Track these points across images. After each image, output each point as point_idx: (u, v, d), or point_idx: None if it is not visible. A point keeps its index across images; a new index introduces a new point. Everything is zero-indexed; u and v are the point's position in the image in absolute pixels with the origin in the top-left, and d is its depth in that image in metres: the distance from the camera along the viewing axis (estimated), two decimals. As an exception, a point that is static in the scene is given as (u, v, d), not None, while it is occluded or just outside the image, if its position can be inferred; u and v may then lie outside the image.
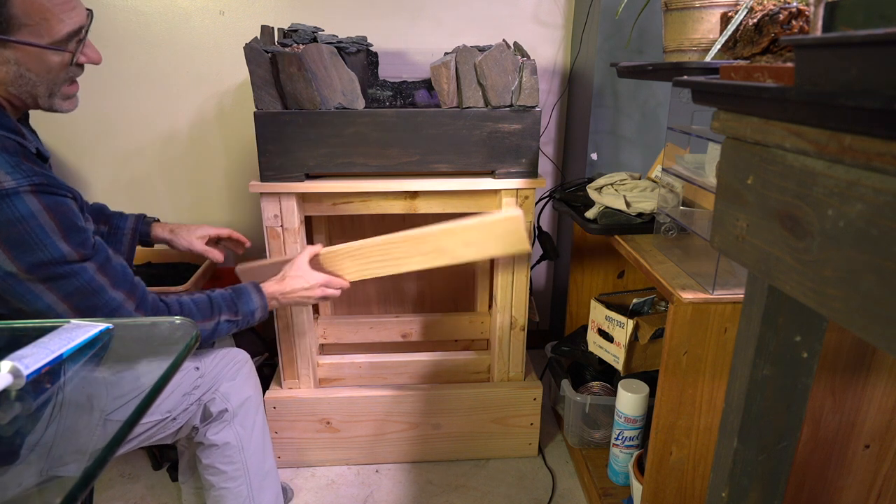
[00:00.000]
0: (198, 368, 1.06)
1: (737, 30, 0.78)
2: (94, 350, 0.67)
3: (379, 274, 1.18)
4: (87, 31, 0.85)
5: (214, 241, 1.28)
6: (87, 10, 0.86)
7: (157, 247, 1.75)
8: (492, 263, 1.64)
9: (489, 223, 1.10)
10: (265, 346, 1.73)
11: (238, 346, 1.33)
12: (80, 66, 0.87)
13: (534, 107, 1.25)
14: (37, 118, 0.99)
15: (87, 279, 0.84)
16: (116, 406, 0.59)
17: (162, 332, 0.74)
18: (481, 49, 1.23)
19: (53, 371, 0.62)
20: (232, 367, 1.11)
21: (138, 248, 1.23)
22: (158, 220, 1.25)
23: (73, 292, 0.83)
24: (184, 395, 1.03)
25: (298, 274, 1.13)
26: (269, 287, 1.10)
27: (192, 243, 1.23)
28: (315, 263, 1.17)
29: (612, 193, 1.23)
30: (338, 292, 1.17)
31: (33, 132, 0.95)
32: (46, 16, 0.78)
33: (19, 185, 0.76)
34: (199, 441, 1.09)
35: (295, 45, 1.22)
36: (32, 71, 0.81)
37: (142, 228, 1.22)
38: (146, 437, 1.02)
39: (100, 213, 1.19)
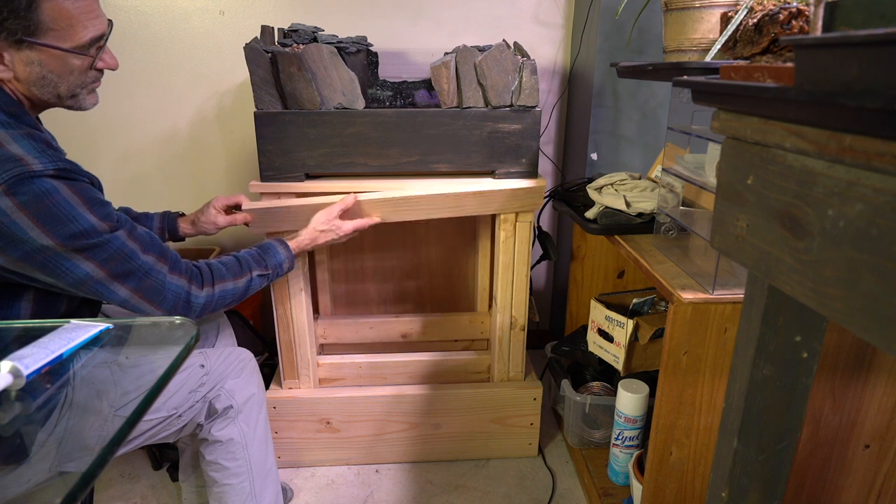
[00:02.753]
0: (203, 366, 1.07)
1: (737, 30, 0.78)
2: (97, 348, 0.67)
3: (411, 219, 1.28)
4: (106, 39, 0.91)
5: (232, 209, 1.31)
6: (108, 19, 0.91)
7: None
8: (492, 263, 1.64)
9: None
10: (265, 346, 1.73)
11: (239, 345, 1.33)
12: (100, 71, 0.93)
13: (534, 107, 1.25)
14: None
15: (118, 245, 0.89)
16: (123, 403, 0.59)
17: (162, 332, 0.74)
18: (481, 49, 1.23)
19: (55, 371, 0.62)
20: (237, 364, 1.12)
21: None
22: (183, 215, 1.29)
23: (108, 259, 0.88)
24: (190, 392, 1.04)
25: (328, 228, 1.20)
26: (295, 242, 1.17)
27: (217, 222, 1.26)
28: (345, 214, 1.23)
29: (612, 193, 1.23)
30: (367, 225, 1.25)
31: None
32: (72, 22, 0.84)
33: (45, 168, 0.81)
34: (204, 437, 1.10)
35: (295, 45, 1.22)
36: (54, 72, 0.86)
37: (169, 226, 1.26)
38: (151, 435, 1.02)
39: (127, 215, 1.21)
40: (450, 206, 1.26)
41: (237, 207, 1.30)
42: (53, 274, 0.86)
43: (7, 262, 0.83)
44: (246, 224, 1.26)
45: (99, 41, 0.89)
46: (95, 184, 0.91)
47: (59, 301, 0.94)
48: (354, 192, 1.23)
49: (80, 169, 0.87)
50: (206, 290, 1.00)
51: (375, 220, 1.24)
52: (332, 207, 1.20)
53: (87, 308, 1.01)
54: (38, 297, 0.92)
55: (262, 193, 1.26)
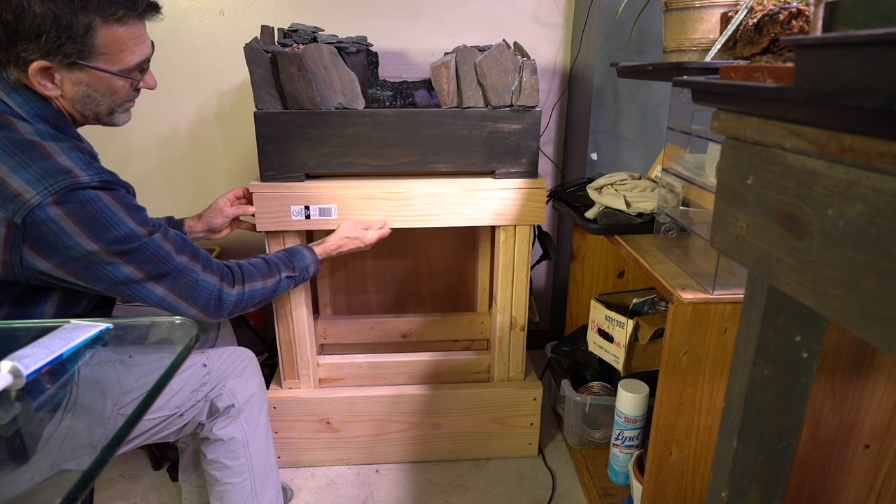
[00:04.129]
0: (205, 365, 1.08)
1: (737, 30, 0.78)
2: (98, 347, 0.67)
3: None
4: (149, 62, 0.96)
5: (238, 200, 1.32)
6: (151, 41, 0.96)
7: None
8: (492, 263, 1.64)
9: None
10: (265, 345, 1.73)
11: (239, 345, 1.33)
12: (138, 91, 0.98)
13: (534, 107, 1.25)
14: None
15: (155, 248, 0.93)
16: (126, 402, 0.59)
17: (162, 332, 0.74)
18: (481, 49, 1.23)
19: (56, 371, 0.62)
20: (238, 364, 1.13)
21: None
22: (185, 219, 1.30)
23: (146, 261, 0.92)
24: (192, 391, 1.05)
25: (356, 237, 1.25)
26: (322, 248, 1.22)
27: (224, 210, 1.28)
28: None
29: (612, 193, 1.23)
30: (388, 231, 1.30)
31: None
32: (122, 48, 0.89)
33: (91, 180, 0.86)
34: (205, 436, 1.10)
35: (295, 45, 1.22)
36: (99, 92, 0.90)
37: (175, 227, 1.26)
38: (153, 433, 1.03)
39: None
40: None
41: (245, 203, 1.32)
42: (94, 278, 0.90)
43: (49, 268, 0.87)
44: (252, 215, 1.28)
45: (143, 65, 0.94)
46: (131, 191, 0.96)
47: (80, 301, 0.97)
48: (389, 229, 1.30)
49: (119, 179, 0.92)
50: (236, 288, 1.04)
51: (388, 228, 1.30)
52: (360, 220, 1.27)
53: (101, 309, 1.04)
54: (63, 298, 0.95)
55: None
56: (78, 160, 0.86)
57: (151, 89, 1.00)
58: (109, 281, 0.91)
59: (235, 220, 1.32)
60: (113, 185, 0.89)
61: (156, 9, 0.93)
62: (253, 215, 1.28)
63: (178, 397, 1.03)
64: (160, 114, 1.67)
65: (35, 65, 0.83)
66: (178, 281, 0.96)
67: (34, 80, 0.84)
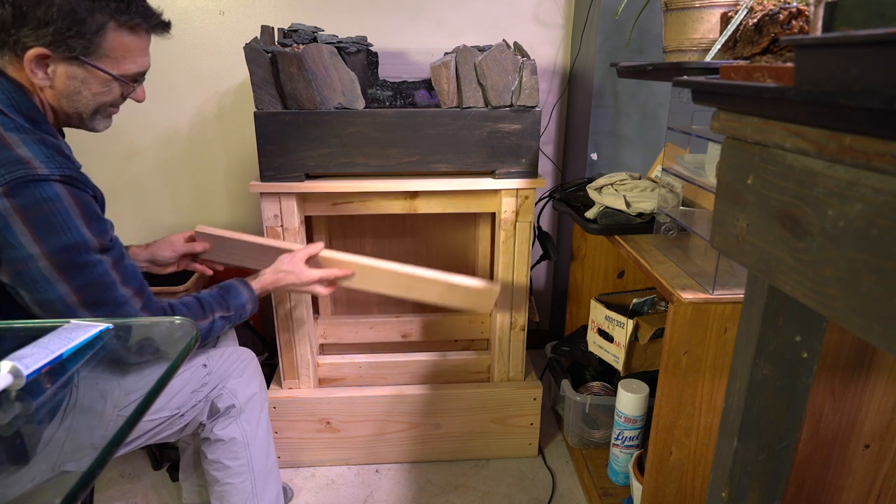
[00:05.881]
0: (206, 366, 1.07)
1: (737, 30, 0.78)
2: (97, 348, 0.67)
3: (360, 289, 1.20)
4: (144, 75, 0.95)
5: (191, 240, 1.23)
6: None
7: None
8: (492, 263, 1.64)
9: (471, 290, 1.17)
10: (265, 345, 1.73)
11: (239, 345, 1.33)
12: (125, 98, 0.96)
13: (534, 107, 1.25)
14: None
15: (101, 271, 0.86)
16: (126, 403, 0.59)
17: (162, 332, 0.74)
18: (481, 49, 1.23)
19: (56, 371, 0.62)
20: (239, 364, 1.12)
21: (138, 243, 1.21)
22: (130, 246, 1.18)
23: (86, 284, 0.85)
24: (193, 391, 1.04)
25: (291, 270, 1.13)
26: (258, 283, 1.11)
27: (175, 246, 1.19)
28: (312, 262, 1.17)
29: (612, 193, 1.23)
30: (328, 291, 1.18)
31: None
32: (126, 54, 0.89)
33: (51, 173, 0.81)
34: (206, 437, 1.10)
35: (295, 45, 1.22)
36: (91, 90, 0.88)
37: None
38: (153, 434, 1.03)
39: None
40: (401, 287, 1.18)
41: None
42: (26, 287, 0.83)
43: None
44: (201, 253, 1.21)
45: (140, 76, 0.94)
46: (99, 199, 0.90)
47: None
48: (323, 244, 1.19)
49: (87, 180, 0.87)
50: None
51: (346, 272, 1.17)
52: (297, 251, 1.16)
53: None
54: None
55: (261, 193, 1.26)
56: (39, 152, 0.81)
57: (139, 101, 0.98)
58: (39, 296, 0.83)
59: (185, 259, 1.22)
60: (77, 182, 0.84)
61: (167, 28, 0.94)
62: (201, 253, 1.21)
63: (179, 398, 1.03)
64: (160, 114, 1.66)
65: (33, 51, 0.81)
66: (114, 314, 0.88)
67: (27, 65, 0.81)
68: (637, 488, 1.19)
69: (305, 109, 1.21)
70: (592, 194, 1.27)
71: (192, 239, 1.23)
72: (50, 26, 0.80)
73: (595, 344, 1.31)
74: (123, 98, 0.95)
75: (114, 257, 0.89)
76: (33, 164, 0.79)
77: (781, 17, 0.70)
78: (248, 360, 1.15)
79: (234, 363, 1.12)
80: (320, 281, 1.15)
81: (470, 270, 1.74)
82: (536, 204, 1.43)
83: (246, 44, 1.16)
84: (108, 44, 0.85)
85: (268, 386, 1.45)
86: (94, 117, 0.93)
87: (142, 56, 0.91)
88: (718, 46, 0.82)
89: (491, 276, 1.67)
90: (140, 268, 1.11)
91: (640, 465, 1.23)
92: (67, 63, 0.84)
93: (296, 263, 1.14)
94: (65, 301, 0.84)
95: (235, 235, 1.21)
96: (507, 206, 1.32)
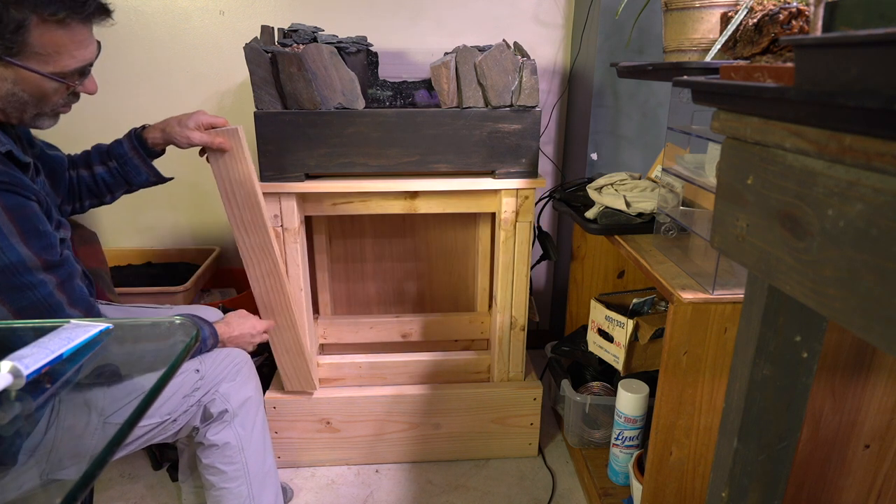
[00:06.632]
0: (198, 371, 1.06)
1: (737, 30, 0.78)
2: (93, 351, 0.67)
3: None
4: (91, 66, 0.86)
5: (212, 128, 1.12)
6: (98, 42, 0.86)
7: (156, 246, 1.75)
8: (492, 263, 1.64)
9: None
10: (265, 345, 1.72)
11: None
12: (77, 95, 0.89)
13: (534, 107, 1.25)
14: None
15: (44, 294, 0.80)
16: (116, 408, 0.59)
17: (162, 332, 0.74)
18: (481, 49, 1.23)
19: (53, 371, 0.62)
20: (232, 367, 1.11)
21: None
22: (146, 127, 1.12)
23: (27, 307, 0.79)
24: (184, 396, 1.03)
25: (243, 318, 1.17)
26: (218, 325, 1.11)
27: (191, 138, 1.07)
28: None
29: (612, 193, 1.23)
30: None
31: (18, 138, 0.92)
32: (60, 50, 0.80)
33: None
34: (200, 441, 1.09)
35: (295, 45, 1.22)
36: (26, 92, 0.81)
37: (139, 141, 1.11)
38: (147, 439, 1.02)
39: (104, 153, 1.12)
40: None
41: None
42: None
43: None
44: (219, 150, 1.10)
45: (83, 70, 0.85)
46: (43, 204, 0.83)
47: None
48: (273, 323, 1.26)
49: (25, 183, 0.79)
50: None
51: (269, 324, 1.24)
52: (255, 322, 1.18)
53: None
54: None
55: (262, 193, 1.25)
56: None
57: (91, 94, 0.90)
58: None
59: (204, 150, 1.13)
60: (13, 188, 0.76)
61: (105, 13, 0.84)
62: (219, 150, 1.10)
63: (170, 404, 1.01)
64: (160, 114, 1.65)
65: None
66: (109, 319, 0.82)
67: None
68: (637, 488, 1.19)
69: (305, 109, 1.21)
70: (592, 194, 1.27)
71: (211, 126, 1.09)
72: None
73: (595, 344, 1.31)
74: (74, 95, 0.88)
75: (60, 277, 0.82)
76: None
77: (781, 17, 0.70)
78: (241, 363, 1.13)
79: (226, 367, 1.10)
80: (268, 328, 1.20)
81: (470, 270, 1.74)
82: (536, 204, 1.43)
83: (246, 44, 1.16)
84: (34, 41, 0.77)
85: (268, 386, 1.45)
86: (38, 118, 0.86)
87: (80, 49, 0.82)
88: (718, 46, 0.82)
89: (491, 275, 1.67)
90: (160, 146, 1.10)
91: (640, 465, 1.23)
92: None
93: (245, 314, 1.17)
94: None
95: (253, 174, 1.12)
96: (507, 206, 1.32)
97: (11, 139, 0.86)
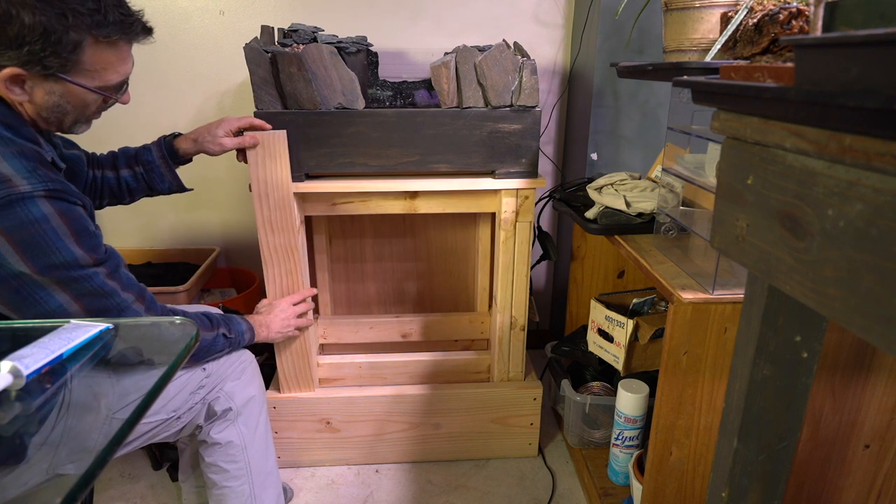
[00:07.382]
0: (204, 369, 1.06)
1: (737, 30, 0.78)
2: (96, 349, 0.67)
3: None
4: (128, 79, 0.93)
5: (238, 133, 1.19)
6: (132, 58, 0.92)
7: (156, 246, 1.75)
8: (492, 263, 1.64)
9: None
10: (266, 345, 1.73)
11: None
12: (109, 105, 0.95)
13: (534, 107, 1.25)
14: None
15: (98, 283, 0.87)
16: (123, 405, 0.59)
17: (162, 332, 0.74)
18: (481, 49, 1.23)
19: (55, 371, 0.62)
20: (237, 366, 1.12)
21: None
22: (178, 136, 1.19)
23: (85, 293, 0.86)
24: (190, 394, 1.04)
25: (272, 306, 1.26)
26: (253, 317, 1.21)
27: (224, 143, 1.15)
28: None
29: (612, 193, 1.23)
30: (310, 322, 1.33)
31: (51, 143, 0.97)
32: (106, 66, 0.86)
33: (34, 189, 0.79)
34: (203, 439, 1.10)
35: (295, 45, 1.22)
36: (70, 104, 0.87)
37: (168, 149, 1.17)
38: (150, 437, 1.02)
39: (131, 157, 1.18)
40: None
41: (242, 132, 1.19)
42: (25, 303, 0.83)
43: None
44: (251, 147, 1.17)
45: (123, 83, 0.92)
46: (87, 208, 0.89)
47: None
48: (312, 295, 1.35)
49: (73, 190, 0.85)
50: None
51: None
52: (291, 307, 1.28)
53: None
54: None
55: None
56: (20, 167, 0.79)
57: (125, 104, 0.97)
58: (40, 308, 0.83)
59: (240, 152, 1.19)
60: (63, 195, 0.82)
61: (149, 33, 0.91)
62: (251, 147, 1.17)
63: (176, 401, 1.02)
64: (160, 114, 1.66)
65: (7, 71, 0.79)
66: (119, 318, 0.88)
67: (2, 84, 0.80)
68: (637, 488, 1.19)
69: (305, 109, 1.21)
70: (592, 194, 1.27)
71: (238, 133, 1.17)
72: (24, 47, 0.77)
73: (595, 344, 1.31)
74: (108, 105, 0.94)
75: (109, 268, 0.89)
76: (14, 181, 0.78)
77: (781, 17, 0.70)
78: (246, 362, 1.14)
79: (232, 365, 1.11)
80: (303, 312, 1.30)
81: (470, 270, 1.74)
82: (536, 204, 1.43)
83: (246, 44, 1.16)
84: (86, 59, 0.83)
85: (268, 386, 1.45)
86: (75, 125, 0.92)
87: (123, 65, 0.89)
88: (718, 46, 0.82)
89: (491, 275, 1.67)
90: (190, 154, 1.18)
91: (640, 465, 1.23)
92: (44, 80, 0.82)
93: (282, 304, 1.27)
94: (66, 309, 0.85)
95: (289, 178, 1.22)
96: (507, 206, 1.32)
97: (52, 146, 0.93)
